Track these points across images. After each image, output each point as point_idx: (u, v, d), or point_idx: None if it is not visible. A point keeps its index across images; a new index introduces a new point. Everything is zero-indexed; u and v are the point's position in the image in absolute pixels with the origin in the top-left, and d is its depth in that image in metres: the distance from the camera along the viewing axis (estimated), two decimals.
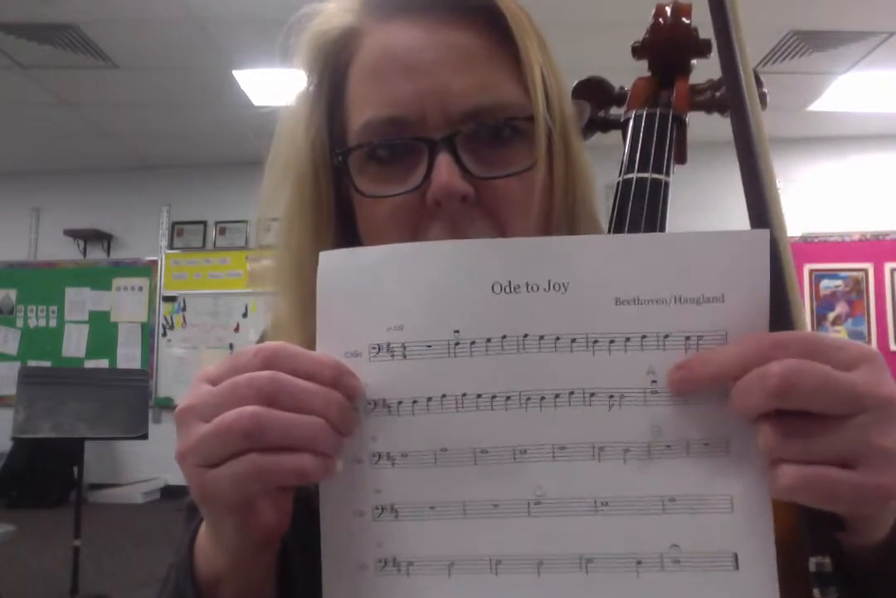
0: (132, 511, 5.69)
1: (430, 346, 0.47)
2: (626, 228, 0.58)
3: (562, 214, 0.64)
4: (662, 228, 0.58)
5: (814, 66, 4.62)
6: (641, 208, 0.58)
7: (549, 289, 0.46)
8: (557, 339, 0.46)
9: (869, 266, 5.84)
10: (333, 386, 0.45)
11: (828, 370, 0.41)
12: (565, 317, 0.46)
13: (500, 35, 0.61)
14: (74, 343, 6.34)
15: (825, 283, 5.80)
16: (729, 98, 0.50)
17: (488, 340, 0.46)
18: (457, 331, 0.46)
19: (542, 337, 0.46)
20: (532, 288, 0.46)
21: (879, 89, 4.98)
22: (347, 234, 0.67)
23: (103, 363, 6.23)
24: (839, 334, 5.76)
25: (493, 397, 0.46)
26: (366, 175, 0.63)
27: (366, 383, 0.47)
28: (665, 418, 0.45)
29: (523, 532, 0.46)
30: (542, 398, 0.46)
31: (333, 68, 0.65)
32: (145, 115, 5.37)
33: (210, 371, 0.47)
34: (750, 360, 0.42)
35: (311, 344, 0.64)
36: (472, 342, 0.46)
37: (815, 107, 5.24)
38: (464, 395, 0.46)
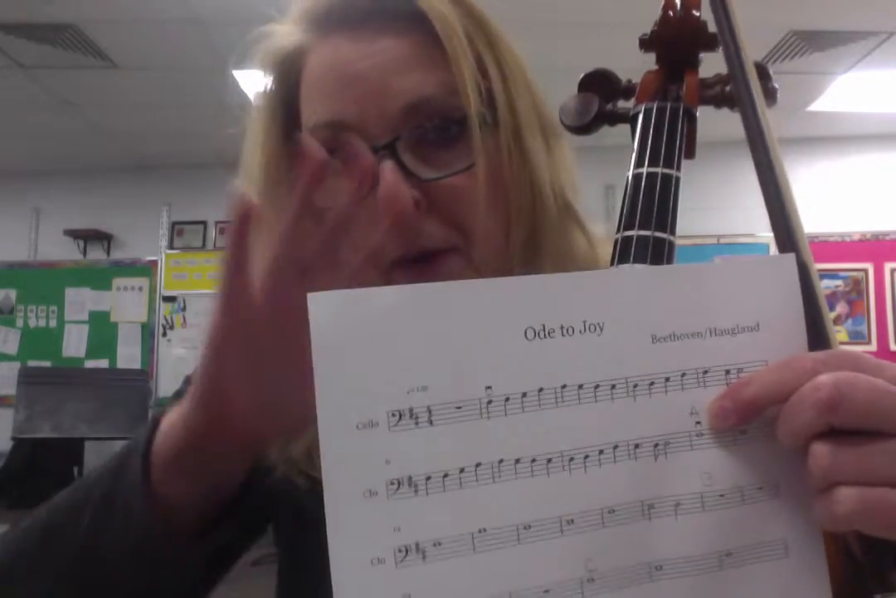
0: None
1: (459, 407, 0.40)
2: (637, 225, 0.57)
3: (520, 209, 0.64)
4: (673, 225, 0.57)
5: (814, 66, 4.61)
6: (652, 204, 0.57)
7: (585, 331, 0.42)
8: (597, 387, 0.42)
9: (869, 266, 5.83)
10: None
11: (879, 381, 0.39)
12: (603, 361, 0.42)
13: (435, 41, 0.62)
14: (74, 343, 6.32)
15: (825, 283, 5.79)
16: (742, 115, 0.49)
17: (524, 395, 0.41)
18: (489, 387, 0.41)
19: (580, 386, 0.41)
20: (567, 331, 0.42)
21: (879, 89, 4.97)
22: None
23: (103, 363, 6.21)
24: (839, 334, 5.76)
25: (533, 460, 0.41)
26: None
27: (386, 460, 0.40)
28: (714, 462, 0.42)
29: None
30: (587, 457, 0.41)
31: (286, 87, 0.67)
32: (145, 115, 5.36)
33: None
34: (793, 378, 0.40)
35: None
36: (507, 399, 0.41)
37: (815, 107, 5.23)
38: (501, 461, 0.41)
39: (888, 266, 5.81)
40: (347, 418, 0.40)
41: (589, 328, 0.42)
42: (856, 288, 5.82)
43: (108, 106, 5.24)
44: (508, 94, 0.64)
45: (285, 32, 0.68)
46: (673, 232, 0.58)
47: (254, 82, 0.70)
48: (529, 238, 0.64)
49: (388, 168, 0.59)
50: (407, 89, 0.61)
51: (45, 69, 4.64)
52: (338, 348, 0.40)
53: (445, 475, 0.40)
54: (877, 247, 5.83)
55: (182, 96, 5.03)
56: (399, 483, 0.40)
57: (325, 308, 0.40)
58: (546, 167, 0.65)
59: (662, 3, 0.64)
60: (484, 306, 0.41)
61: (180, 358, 6.23)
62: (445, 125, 0.61)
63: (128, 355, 6.27)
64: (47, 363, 6.09)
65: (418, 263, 0.62)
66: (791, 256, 0.44)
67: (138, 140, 5.92)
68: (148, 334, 6.30)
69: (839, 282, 5.82)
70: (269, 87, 0.68)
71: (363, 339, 0.40)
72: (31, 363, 6.02)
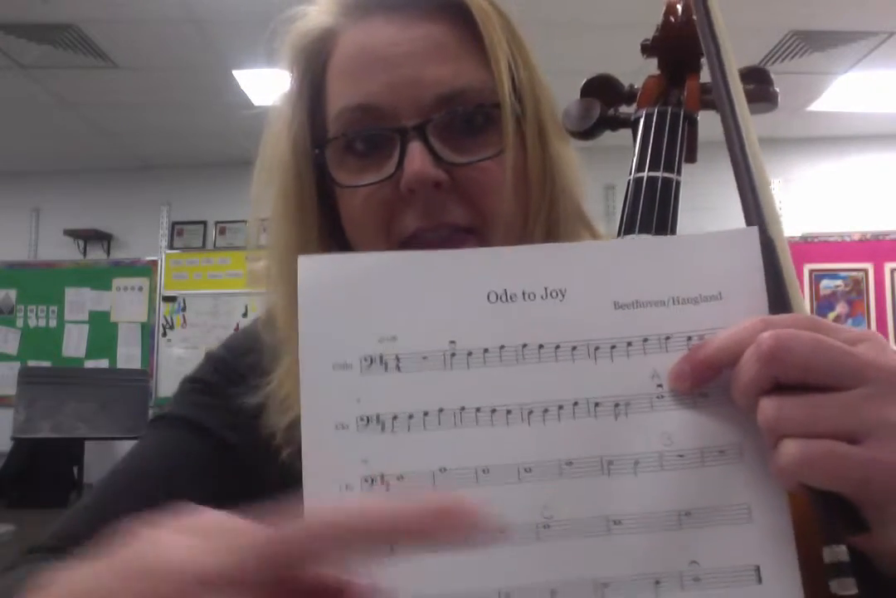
0: None
1: (425, 357, 0.45)
2: (637, 228, 0.57)
3: (539, 200, 0.65)
4: (674, 228, 0.58)
5: (814, 66, 4.61)
6: (653, 208, 0.58)
7: (547, 296, 0.45)
8: (557, 347, 0.44)
9: (869, 266, 5.83)
10: None
11: (824, 337, 0.40)
12: (564, 324, 0.45)
13: (469, 30, 0.63)
14: (74, 343, 6.32)
15: (825, 283, 5.80)
16: (717, 99, 0.51)
17: (486, 350, 0.45)
18: (453, 342, 0.45)
19: (541, 346, 0.45)
20: (529, 296, 0.45)
21: (879, 89, 4.97)
22: (334, 229, 0.68)
23: (103, 363, 6.21)
24: None
25: (493, 410, 0.44)
26: (344, 167, 0.64)
27: (357, 399, 0.44)
28: (674, 424, 0.43)
29: (533, 560, 0.42)
30: (546, 411, 0.44)
31: (313, 68, 0.67)
32: (145, 115, 5.36)
33: None
34: (746, 338, 0.41)
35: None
36: (469, 353, 0.45)
37: (815, 107, 5.23)
38: (462, 409, 0.44)
39: (888, 266, 5.81)
40: (324, 360, 0.45)
41: (551, 294, 0.45)
42: (856, 288, 5.82)
43: (108, 106, 5.24)
44: (533, 88, 0.66)
45: (316, 13, 0.68)
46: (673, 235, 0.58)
47: (280, 64, 0.69)
48: (549, 233, 0.66)
49: (415, 149, 0.60)
50: (441, 79, 0.62)
51: (45, 69, 4.64)
52: (319, 300, 0.46)
53: (410, 416, 0.44)
54: (877, 247, 5.83)
55: (182, 96, 5.04)
56: (368, 420, 0.44)
57: (312, 268, 0.46)
58: (565, 162, 0.67)
59: (664, 8, 0.64)
60: (451, 271, 0.46)
61: (180, 358, 6.23)
62: (474, 114, 0.63)
63: (128, 355, 6.27)
64: (47, 363, 6.09)
65: (433, 246, 0.63)
66: (753, 230, 0.45)
67: (138, 140, 5.92)
68: (148, 334, 6.31)
69: (839, 282, 5.82)
70: (297, 67, 0.68)
71: (342, 294, 0.46)
72: (31, 363, 6.02)
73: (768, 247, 0.45)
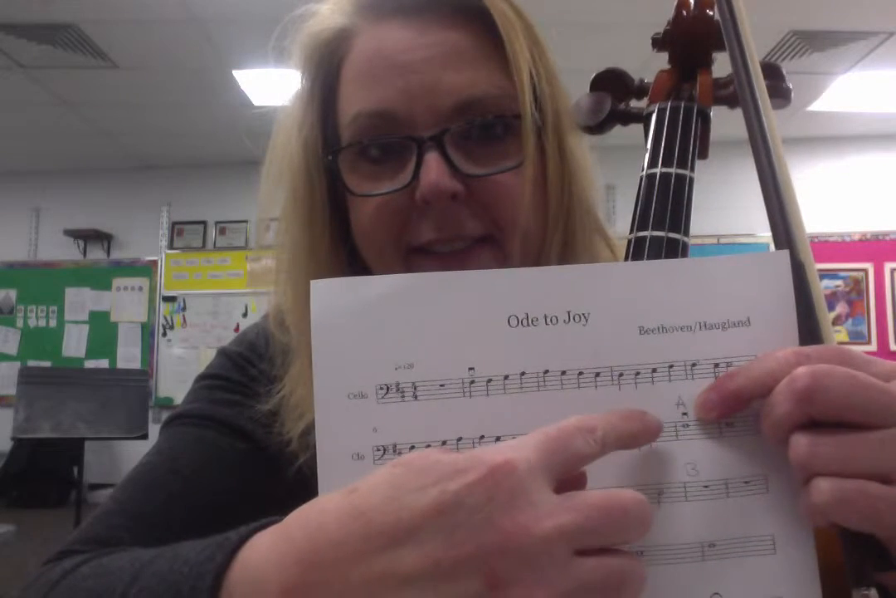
0: None
1: (443, 385, 0.43)
2: (651, 225, 0.57)
3: (557, 211, 0.64)
4: (687, 225, 0.57)
5: (814, 66, 4.61)
6: (666, 204, 0.57)
7: (570, 320, 0.43)
8: (580, 374, 0.43)
9: (869, 266, 5.83)
10: None
11: (859, 373, 0.39)
12: (587, 350, 0.43)
13: (490, 35, 0.62)
14: (74, 343, 6.32)
15: (825, 283, 5.80)
16: (740, 93, 0.49)
17: (506, 377, 0.43)
18: (472, 368, 0.43)
19: (563, 373, 0.43)
20: (551, 320, 0.43)
21: (879, 89, 4.98)
22: (343, 231, 0.67)
23: (103, 363, 6.21)
24: (839, 334, 5.75)
25: (514, 439, 0.42)
26: (357, 174, 0.63)
27: (374, 428, 0.43)
28: (700, 454, 0.42)
29: None
30: None
31: (326, 69, 0.66)
32: (145, 115, 5.35)
33: None
34: (777, 370, 0.40)
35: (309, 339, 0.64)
36: (489, 380, 0.43)
37: (814, 107, 5.23)
38: (482, 438, 0.43)
39: (888, 266, 5.81)
40: (339, 389, 0.43)
41: (573, 318, 0.44)
42: (856, 288, 5.82)
43: (108, 106, 5.23)
44: (553, 96, 0.65)
45: (329, 12, 0.67)
46: (686, 233, 0.57)
47: (291, 63, 0.68)
48: (566, 243, 0.65)
49: (432, 160, 0.59)
50: (459, 87, 0.60)
51: (45, 69, 4.63)
52: (334, 327, 0.44)
53: (428, 446, 0.43)
54: (877, 247, 5.83)
55: (182, 96, 5.03)
56: (384, 450, 0.43)
57: (325, 293, 0.45)
58: (582, 171, 0.66)
59: (676, 2, 0.63)
60: (470, 294, 0.44)
61: (180, 358, 6.23)
62: (493, 124, 0.61)
63: (128, 355, 6.26)
64: (47, 363, 6.08)
65: (445, 258, 0.62)
66: (784, 253, 0.44)
67: (138, 140, 5.91)
68: (148, 333, 6.30)
69: (839, 282, 5.82)
70: (310, 68, 0.66)
71: (357, 320, 0.44)
72: (31, 363, 6.02)
73: (798, 271, 0.44)
